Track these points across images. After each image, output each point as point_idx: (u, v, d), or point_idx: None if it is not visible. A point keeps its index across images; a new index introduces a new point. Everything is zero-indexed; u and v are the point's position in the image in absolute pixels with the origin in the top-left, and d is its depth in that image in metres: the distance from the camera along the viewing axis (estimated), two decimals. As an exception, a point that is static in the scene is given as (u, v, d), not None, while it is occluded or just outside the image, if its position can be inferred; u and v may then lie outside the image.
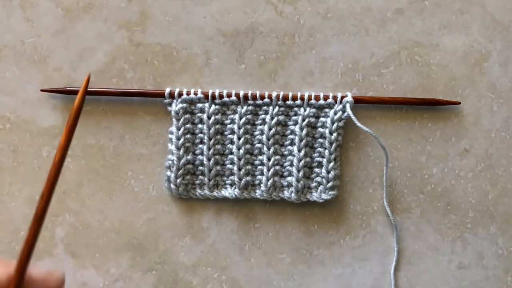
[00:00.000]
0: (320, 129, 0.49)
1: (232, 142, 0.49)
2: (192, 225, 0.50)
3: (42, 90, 0.49)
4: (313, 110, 0.49)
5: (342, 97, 0.49)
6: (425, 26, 0.50)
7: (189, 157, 0.49)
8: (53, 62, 0.50)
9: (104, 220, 0.50)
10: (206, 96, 0.49)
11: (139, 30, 0.50)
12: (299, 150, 0.49)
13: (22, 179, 0.50)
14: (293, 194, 0.49)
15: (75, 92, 0.49)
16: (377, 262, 0.51)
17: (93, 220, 0.50)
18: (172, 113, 0.49)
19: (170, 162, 0.49)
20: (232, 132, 0.49)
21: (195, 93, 0.49)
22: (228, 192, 0.50)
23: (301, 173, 0.49)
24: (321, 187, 0.49)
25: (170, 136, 0.49)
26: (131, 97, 0.49)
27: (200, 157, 0.49)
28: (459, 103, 0.50)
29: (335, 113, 0.49)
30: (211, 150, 0.49)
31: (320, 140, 0.49)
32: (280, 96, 0.49)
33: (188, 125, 0.49)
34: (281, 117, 0.49)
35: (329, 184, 0.49)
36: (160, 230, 0.50)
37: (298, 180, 0.49)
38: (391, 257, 0.50)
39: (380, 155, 0.50)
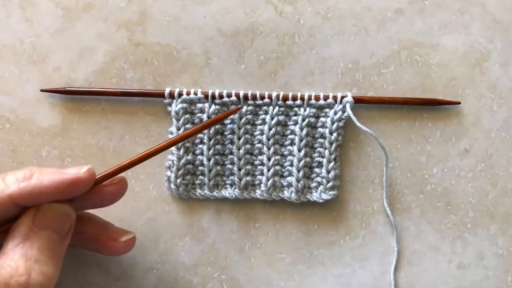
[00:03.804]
0: (320, 129, 0.49)
1: (232, 142, 0.49)
2: (192, 225, 0.50)
3: (41, 91, 0.49)
4: (313, 110, 0.49)
5: (342, 97, 0.49)
6: (425, 26, 0.50)
7: (189, 157, 0.49)
8: (53, 62, 0.50)
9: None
10: (206, 96, 0.49)
11: (139, 30, 0.50)
12: (299, 150, 0.49)
13: (22, 179, 0.50)
14: (293, 194, 0.49)
15: (74, 92, 0.49)
16: (377, 262, 0.51)
17: (93, 220, 0.50)
18: (172, 113, 0.49)
19: (170, 162, 0.49)
20: (232, 132, 0.49)
21: (195, 93, 0.49)
22: (228, 192, 0.50)
23: (301, 173, 0.49)
24: (321, 187, 0.49)
25: (170, 136, 0.49)
26: (131, 97, 0.49)
27: (200, 157, 0.49)
28: (459, 103, 0.50)
29: (335, 113, 0.49)
30: (211, 150, 0.49)
31: (320, 140, 0.49)
32: (280, 96, 0.49)
33: (188, 125, 0.49)
34: (281, 117, 0.49)
35: (329, 184, 0.49)
36: (160, 230, 0.50)
37: (298, 180, 0.49)
38: (391, 257, 0.51)
39: (380, 155, 0.50)
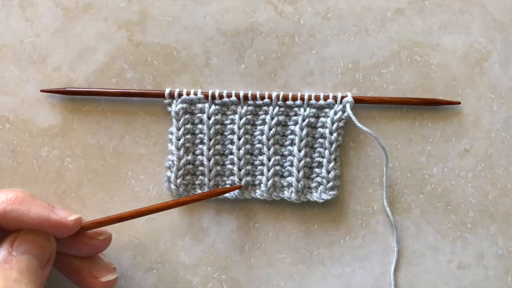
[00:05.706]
0: (320, 129, 0.49)
1: (232, 143, 0.49)
2: (192, 225, 0.50)
3: (41, 91, 0.49)
4: (313, 110, 0.49)
5: (342, 97, 0.49)
6: (425, 26, 0.50)
7: (189, 157, 0.49)
8: (53, 62, 0.50)
9: (104, 220, 0.50)
10: (206, 96, 0.49)
11: (139, 30, 0.50)
12: (299, 150, 0.49)
13: (21, 179, 0.50)
14: (293, 194, 0.49)
15: (74, 93, 0.49)
16: (377, 262, 0.51)
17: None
18: (172, 113, 0.49)
19: (170, 162, 0.49)
20: (232, 133, 0.49)
21: (195, 93, 0.49)
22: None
23: (301, 173, 0.49)
24: (321, 187, 0.49)
25: (170, 136, 0.49)
26: (131, 97, 0.49)
27: (200, 157, 0.49)
28: (459, 103, 0.50)
29: (335, 113, 0.49)
30: (211, 151, 0.49)
31: (320, 140, 0.49)
32: (280, 96, 0.49)
33: (188, 126, 0.49)
34: (281, 117, 0.49)
35: (329, 184, 0.49)
36: (160, 230, 0.50)
37: (298, 180, 0.49)
38: (391, 257, 0.51)
39: (380, 155, 0.50)
